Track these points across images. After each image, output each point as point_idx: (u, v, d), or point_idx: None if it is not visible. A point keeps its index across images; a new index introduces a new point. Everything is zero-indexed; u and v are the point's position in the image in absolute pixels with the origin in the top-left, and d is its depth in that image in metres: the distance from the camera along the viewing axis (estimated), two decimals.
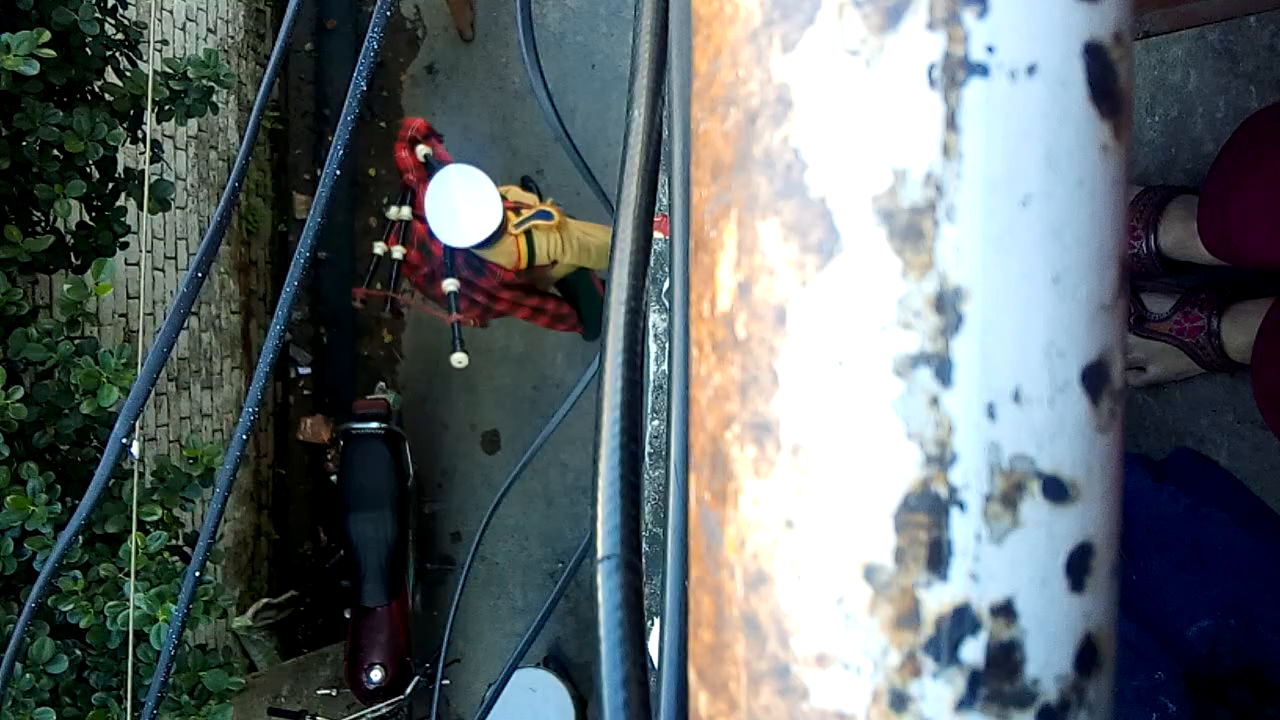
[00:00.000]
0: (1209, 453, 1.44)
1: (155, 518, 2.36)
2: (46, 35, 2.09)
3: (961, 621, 0.21)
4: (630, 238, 0.35)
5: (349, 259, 3.94)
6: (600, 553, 0.29)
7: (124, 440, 1.29)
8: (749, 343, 0.22)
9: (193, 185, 3.34)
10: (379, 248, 3.12)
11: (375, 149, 3.96)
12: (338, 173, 1.41)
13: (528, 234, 2.90)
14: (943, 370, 0.20)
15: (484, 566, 3.96)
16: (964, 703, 0.21)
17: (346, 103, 1.35)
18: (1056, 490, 0.21)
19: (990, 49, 0.20)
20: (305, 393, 3.89)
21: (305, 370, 3.88)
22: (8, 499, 2.12)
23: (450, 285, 2.93)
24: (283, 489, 3.89)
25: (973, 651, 0.21)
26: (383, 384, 3.88)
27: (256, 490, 3.77)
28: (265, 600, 3.62)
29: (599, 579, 0.28)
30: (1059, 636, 0.21)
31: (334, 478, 3.63)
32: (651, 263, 1.47)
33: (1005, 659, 0.21)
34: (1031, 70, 0.20)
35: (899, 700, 0.21)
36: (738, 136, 0.22)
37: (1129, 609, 1.06)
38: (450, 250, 2.87)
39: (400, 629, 3.48)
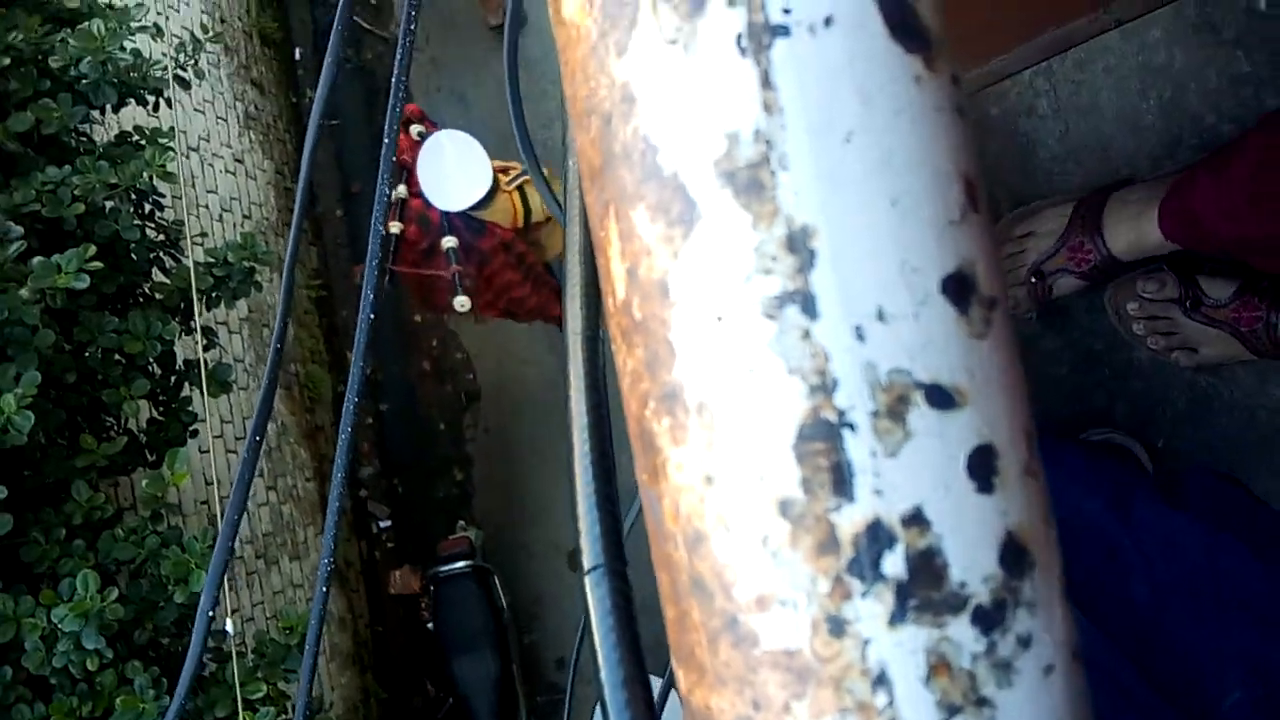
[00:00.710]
0: None
1: (260, 694, 2.39)
2: (92, 249, 2.24)
3: (876, 537, 0.21)
4: (579, 274, 0.38)
5: (411, 406, 4.04)
6: (587, 564, 0.30)
7: (209, 613, 1.33)
8: (646, 322, 0.24)
9: (251, 364, 3.48)
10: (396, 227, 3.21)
11: (417, 297, 4.10)
12: (372, 316, 1.47)
13: (520, 190, 2.95)
14: (807, 304, 0.22)
15: (588, 688, 3.90)
16: (896, 616, 0.21)
17: (369, 250, 1.41)
18: (940, 398, 0.22)
19: (787, 10, 0.22)
20: (389, 545, 3.94)
21: (386, 524, 3.94)
22: (118, 700, 2.17)
23: (449, 241, 2.96)
24: (383, 647, 3.90)
25: (894, 564, 0.21)
26: (462, 522, 3.92)
27: (358, 652, 3.79)
28: None
29: (588, 588, 0.30)
30: (976, 538, 0.22)
31: (430, 625, 3.64)
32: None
33: (927, 566, 0.22)
34: (829, 21, 0.22)
35: (836, 625, 0.22)
36: (600, 139, 0.25)
37: (1156, 677, 1.02)
38: (447, 215, 2.92)
39: None
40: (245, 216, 3.59)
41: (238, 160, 3.60)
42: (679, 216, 0.23)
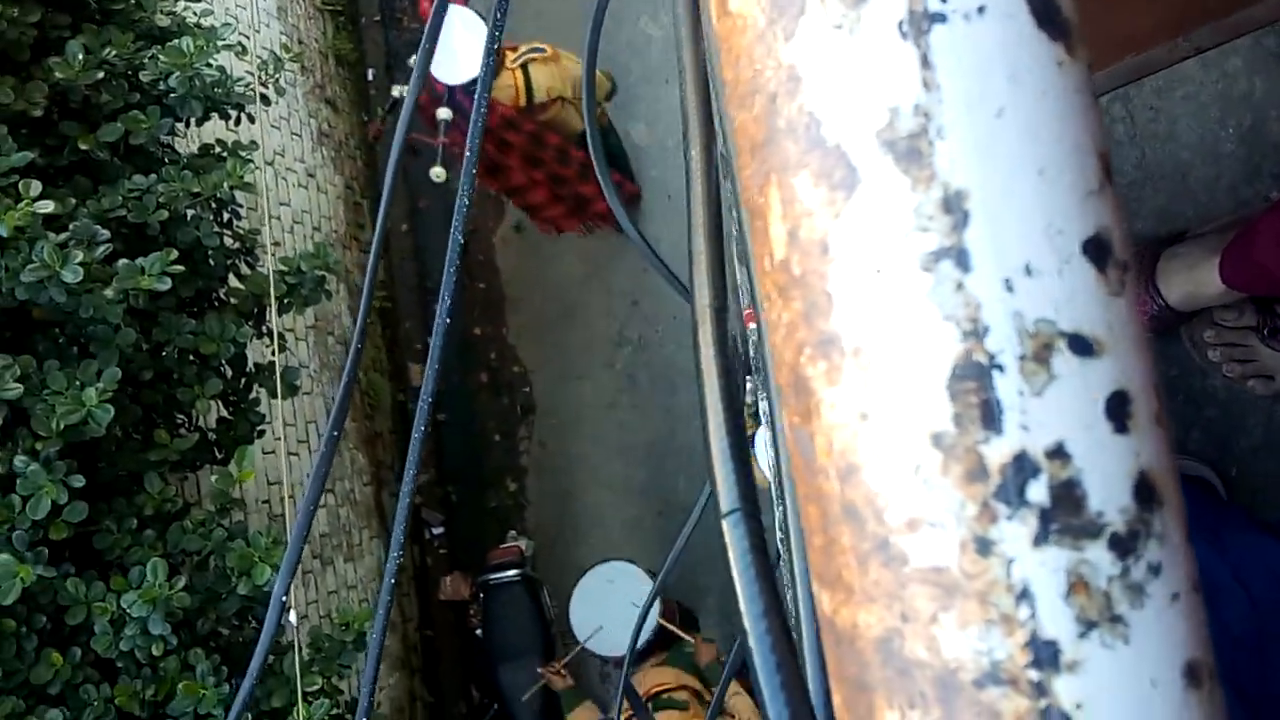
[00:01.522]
0: None
1: (316, 687, 2.45)
2: (174, 254, 2.33)
3: (1022, 467, 0.24)
4: (705, 252, 0.41)
5: (468, 417, 4.11)
6: (724, 508, 0.33)
7: (284, 599, 1.37)
8: (804, 277, 0.27)
9: (315, 370, 3.56)
10: (396, 90, 3.28)
11: (478, 310, 4.18)
12: (447, 321, 1.51)
13: (524, 68, 3.00)
14: (961, 259, 0.25)
15: (636, 699, 3.90)
16: (1039, 538, 0.24)
17: (447, 265, 1.46)
18: (1081, 346, 0.24)
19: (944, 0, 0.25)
20: (441, 552, 4.00)
21: (439, 530, 4.00)
22: (179, 686, 2.24)
23: (444, 113, 3.01)
24: (431, 651, 3.95)
25: (1037, 492, 0.24)
26: (514, 531, 3.96)
27: (406, 655, 3.84)
28: None
29: (726, 531, 0.32)
30: (1113, 473, 0.24)
31: (479, 632, 3.68)
32: (752, 352, 1.52)
33: (1068, 495, 0.24)
34: (981, 10, 0.25)
35: (983, 545, 0.24)
36: (764, 116, 0.28)
37: (1259, 706, 1.01)
38: (450, 87, 2.98)
39: None
40: (315, 228, 3.70)
41: (310, 175, 3.71)
42: (841, 181, 0.26)
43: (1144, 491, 0.25)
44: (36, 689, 2.16)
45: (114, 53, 2.45)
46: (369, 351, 3.94)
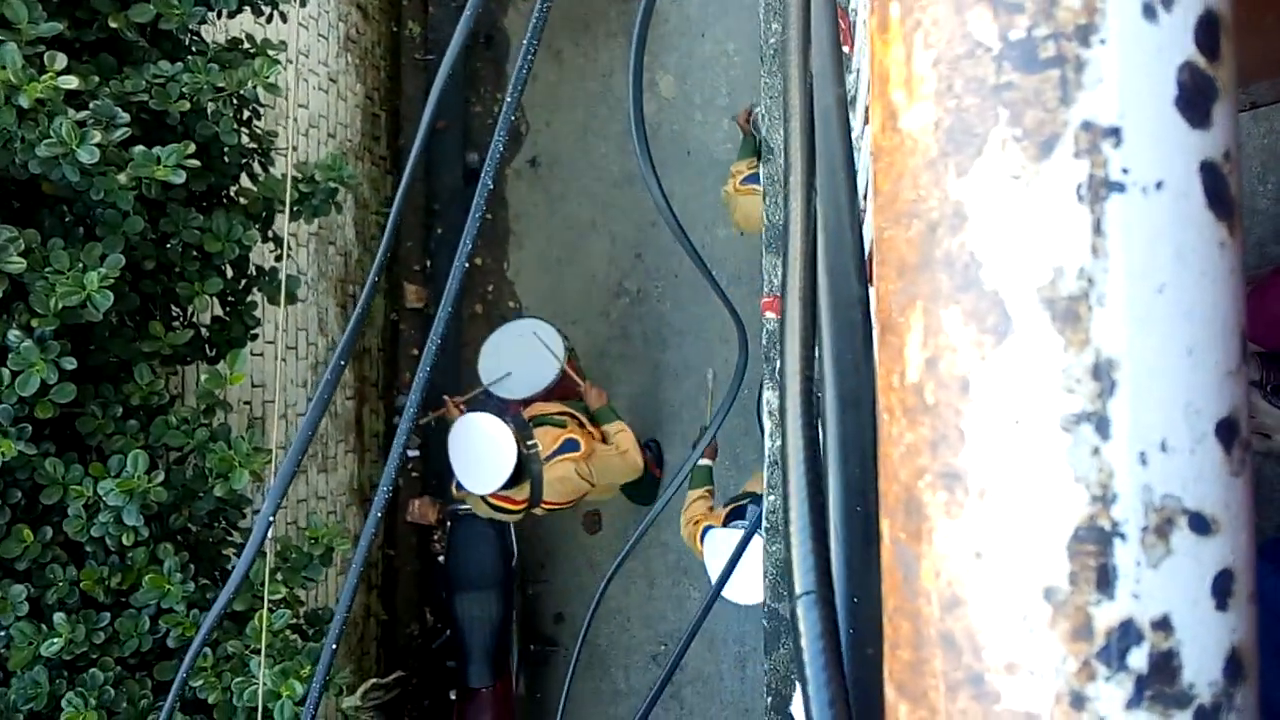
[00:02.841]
0: None
1: (279, 596, 2.48)
2: (192, 147, 2.29)
3: (1127, 634, 0.25)
4: (798, 315, 0.41)
5: (457, 345, 4.11)
6: (799, 589, 0.34)
7: (270, 518, 1.39)
8: (937, 407, 0.28)
9: (312, 279, 3.54)
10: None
11: (481, 241, 4.15)
12: (465, 266, 1.51)
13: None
14: (1102, 426, 0.26)
15: (585, 649, 3.97)
16: (1132, 702, 0.25)
17: (469, 224, 1.46)
18: (1200, 524, 0.26)
19: (1125, 170, 0.26)
20: (414, 475, 4.02)
21: (414, 453, 4.02)
22: (146, 577, 2.26)
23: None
24: (391, 570, 4.00)
25: (1138, 659, 0.25)
26: None
27: (366, 571, 3.89)
28: (373, 680, 3.70)
29: (800, 613, 0.33)
30: (1209, 648, 0.26)
31: (441, 558, 3.72)
32: (764, 341, 1.53)
33: (1165, 665, 0.25)
34: (1160, 185, 0.26)
35: (1078, 700, 0.25)
36: (920, 242, 0.28)
37: None
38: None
39: (505, 711, 3.51)
40: (330, 135, 3.65)
41: (331, 80, 3.65)
42: (993, 327, 0.27)
43: (1233, 667, 0.26)
44: (4, 563, 2.18)
45: None
46: (366, 266, 3.91)
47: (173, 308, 2.62)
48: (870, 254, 0.67)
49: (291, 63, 3.42)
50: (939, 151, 0.28)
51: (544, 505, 3.20)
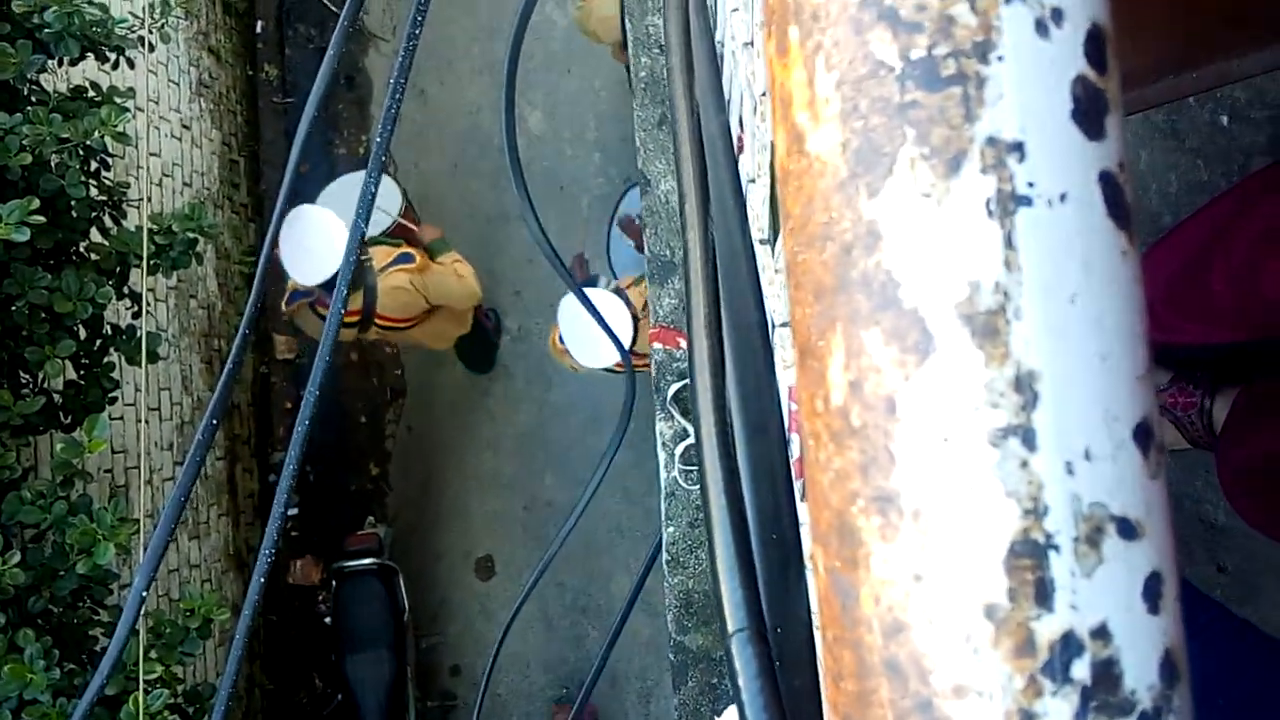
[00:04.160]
0: (1206, 514, 1.49)
1: (155, 676, 2.32)
2: (36, 203, 2.16)
3: (1069, 645, 0.25)
4: (705, 345, 0.41)
5: (333, 395, 3.98)
6: (731, 627, 0.33)
7: (143, 594, 1.30)
8: (865, 430, 0.27)
9: (174, 335, 3.38)
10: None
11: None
12: (340, 314, 1.45)
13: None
14: (1028, 438, 0.25)
15: (487, 700, 3.87)
16: (1079, 714, 0.25)
17: (341, 267, 1.41)
18: (1127, 529, 0.26)
19: (1031, 184, 0.26)
20: (293, 534, 3.86)
21: (292, 512, 3.86)
22: (5, 668, 2.08)
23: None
24: (274, 636, 3.81)
25: (1081, 670, 0.25)
26: (372, 518, 3.86)
27: (248, 640, 3.70)
28: None
29: (734, 651, 0.32)
30: (1146, 652, 0.26)
31: (328, 620, 3.58)
32: (654, 372, 1.53)
33: (1107, 674, 0.25)
34: (1064, 198, 0.26)
35: (1027, 717, 0.25)
36: (835, 265, 0.28)
37: None
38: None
39: None
40: (186, 184, 3.50)
41: (185, 126, 3.50)
42: (914, 346, 0.26)
43: (1168, 669, 0.26)
44: None
45: None
46: (233, 319, 3.76)
47: (21, 374, 2.45)
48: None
49: (141, 110, 3.28)
50: (849, 173, 0.28)
51: (379, 320, 3.15)
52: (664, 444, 1.28)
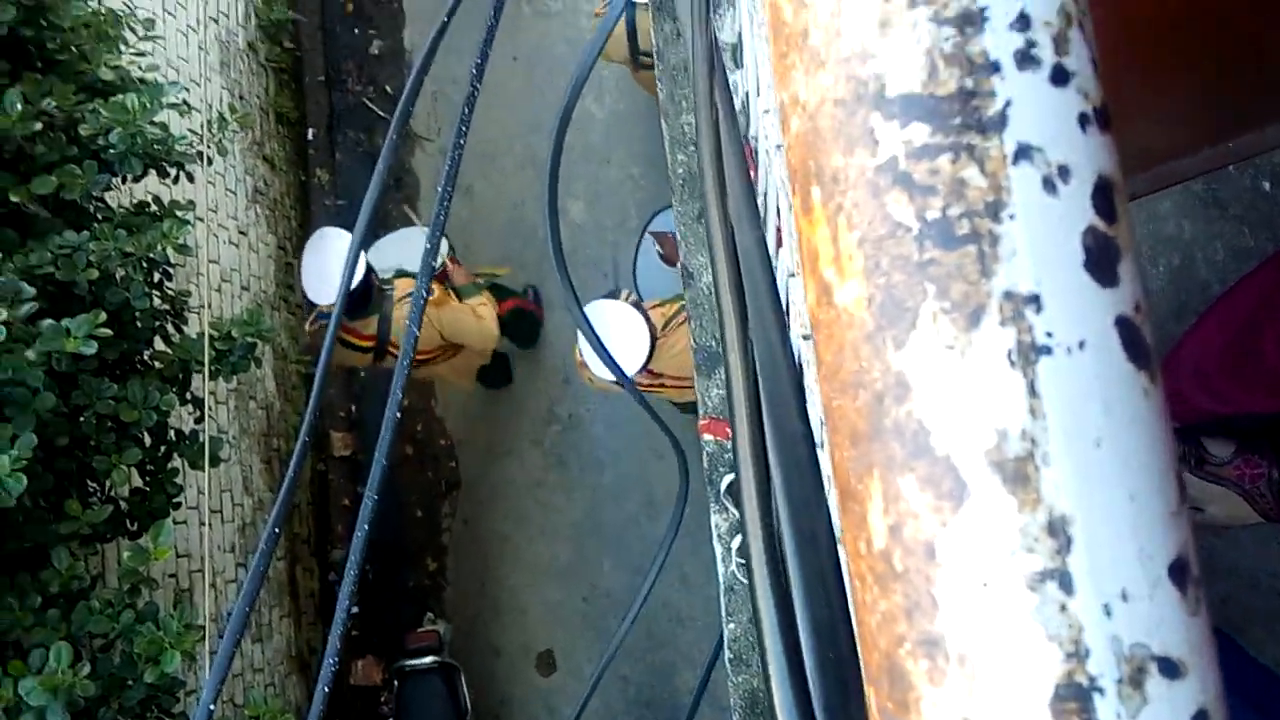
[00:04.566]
0: None
1: None
2: (103, 316, 2.25)
3: None
4: (750, 461, 0.42)
5: (389, 491, 4.02)
6: None
7: (210, 707, 1.32)
8: (907, 574, 0.28)
9: (234, 437, 3.46)
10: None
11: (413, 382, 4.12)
12: (398, 415, 1.49)
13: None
14: (1065, 582, 0.26)
15: None
16: None
17: (394, 386, 1.45)
18: (1170, 669, 0.26)
19: (1049, 334, 0.27)
20: (353, 633, 3.86)
21: (352, 610, 3.88)
22: None
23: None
24: None
25: None
26: (431, 614, 3.86)
27: None
28: None
29: None
30: None
31: None
32: (705, 464, 1.54)
33: None
34: (1082, 345, 0.27)
35: None
36: (869, 412, 0.29)
37: None
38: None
39: None
40: (244, 288, 3.62)
41: (242, 233, 3.64)
42: (949, 493, 0.28)
43: None
44: None
45: (54, 104, 2.39)
46: (291, 419, 3.84)
47: (89, 483, 2.52)
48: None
49: (200, 219, 3.42)
50: (875, 325, 0.29)
51: (392, 349, 3.21)
52: (719, 536, 1.28)
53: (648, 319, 2.90)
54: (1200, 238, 1.54)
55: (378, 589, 3.95)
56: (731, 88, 1.42)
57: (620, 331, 2.90)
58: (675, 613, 3.78)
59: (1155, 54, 1.15)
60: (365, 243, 3.64)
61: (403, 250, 3.60)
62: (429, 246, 1.40)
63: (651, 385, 3.14)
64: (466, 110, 1.41)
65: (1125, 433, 0.27)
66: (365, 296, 3.11)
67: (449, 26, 1.38)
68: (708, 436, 1.43)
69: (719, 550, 1.30)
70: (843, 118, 0.30)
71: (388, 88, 4.46)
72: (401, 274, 3.38)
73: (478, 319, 3.43)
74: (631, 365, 2.86)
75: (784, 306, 0.67)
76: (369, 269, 3.12)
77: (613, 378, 2.89)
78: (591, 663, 3.72)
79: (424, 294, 1.40)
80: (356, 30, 4.51)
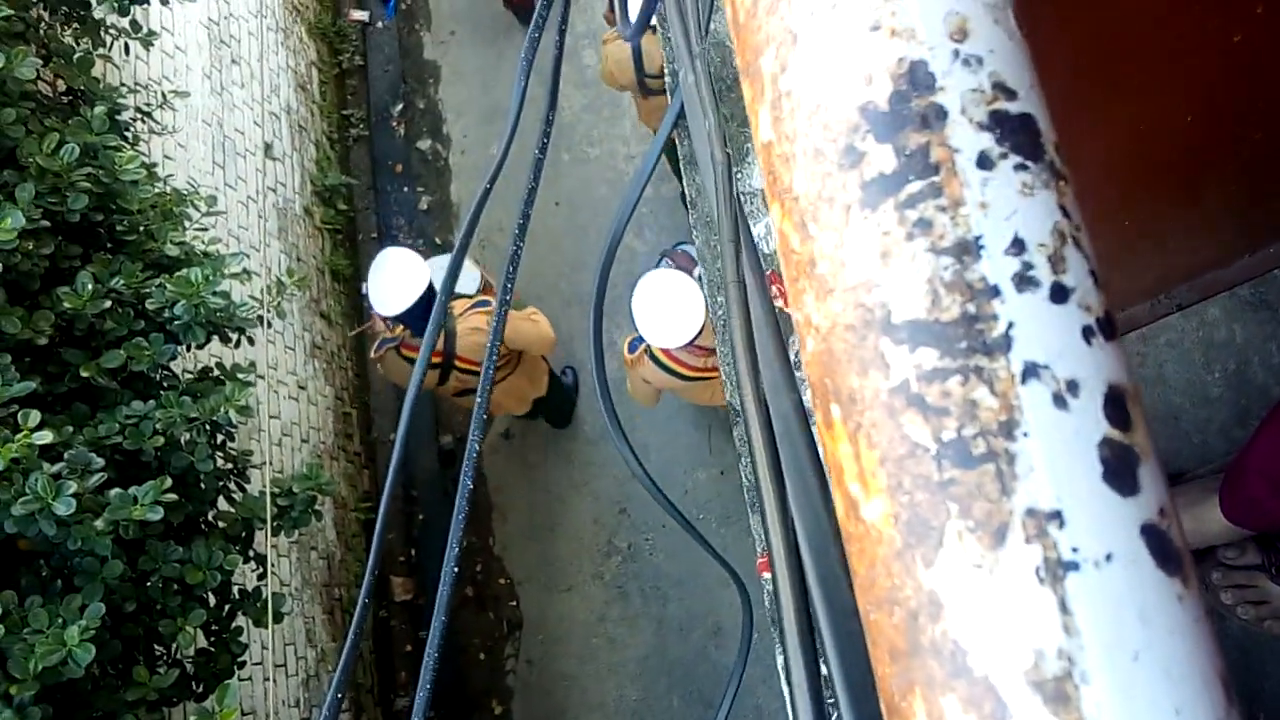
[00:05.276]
0: None
1: None
2: (168, 482, 2.31)
3: None
4: (799, 647, 0.42)
5: (451, 634, 3.99)
6: None
7: None
8: None
9: (296, 589, 3.48)
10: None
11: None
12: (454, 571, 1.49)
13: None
14: None
15: None
16: None
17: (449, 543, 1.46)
18: None
19: (1075, 549, 0.28)
20: None
21: None
22: None
23: None
24: None
25: None
26: None
27: None
28: None
29: None
30: None
31: None
32: (767, 604, 1.51)
33: None
34: (1110, 558, 0.28)
35: None
36: (905, 629, 0.30)
37: None
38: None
39: None
40: (304, 440, 3.71)
41: (301, 387, 3.75)
42: (991, 714, 0.28)
43: None
44: None
45: (122, 282, 2.52)
46: (352, 567, 3.86)
47: (155, 646, 2.54)
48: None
49: (261, 377, 3.53)
50: (903, 543, 0.30)
51: (459, 363, 3.39)
52: (788, 680, 1.25)
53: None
54: (1254, 341, 1.52)
55: None
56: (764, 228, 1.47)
57: (673, 300, 3.00)
58: None
59: (1186, 171, 1.17)
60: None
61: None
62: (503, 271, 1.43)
63: (705, 370, 3.20)
64: (511, 269, 1.47)
65: (1164, 642, 0.28)
66: (429, 311, 3.26)
67: (491, 192, 1.45)
68: (767, 575, 1.42)
69: (787, 692, 1.26)
70: (854, 342, 0.32)
71: (437, 239, 4.63)
72: (458, 296, 3.60)
73: (534, 323, 3.64)
74: (686, 331, 2.94)
75: (826, 480, 0.68)
76: (431, 287, 3.30)
77: (668, 344, 2.96)
78: None
79: (503, 301, 1.43)
80: (406, 188, 4.73)
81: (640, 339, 3.20)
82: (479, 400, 1.36)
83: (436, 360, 3.42)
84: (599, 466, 4.19)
